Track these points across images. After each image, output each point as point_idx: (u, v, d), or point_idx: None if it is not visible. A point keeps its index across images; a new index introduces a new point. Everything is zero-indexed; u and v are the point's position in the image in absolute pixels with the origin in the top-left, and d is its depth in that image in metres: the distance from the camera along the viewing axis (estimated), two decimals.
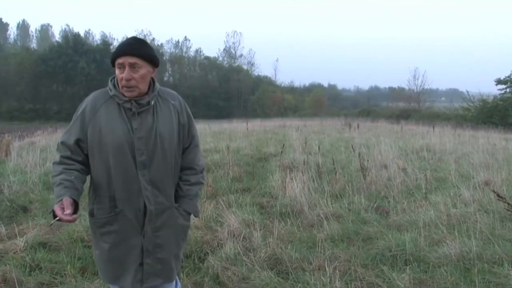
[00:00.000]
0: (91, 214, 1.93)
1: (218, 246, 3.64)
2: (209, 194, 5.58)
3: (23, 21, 75.57)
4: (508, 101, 26.58)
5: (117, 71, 1.85)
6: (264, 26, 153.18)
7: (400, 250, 3.47)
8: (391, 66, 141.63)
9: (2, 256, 3.42)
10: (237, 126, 19.63)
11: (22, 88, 48.27)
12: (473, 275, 3.01)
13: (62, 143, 1.89)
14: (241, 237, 3.75)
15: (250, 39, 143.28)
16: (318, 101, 55.79)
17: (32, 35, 76.33)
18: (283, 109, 55.66)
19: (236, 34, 67.75)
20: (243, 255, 3.38)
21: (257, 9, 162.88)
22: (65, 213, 1.65)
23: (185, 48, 66.30)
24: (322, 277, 2.94)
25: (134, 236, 1.90)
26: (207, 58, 66.32)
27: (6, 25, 73.80)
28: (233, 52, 67.93)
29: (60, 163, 1.86)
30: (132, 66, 1.81)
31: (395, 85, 77.95)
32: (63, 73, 49.25)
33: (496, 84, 28.45)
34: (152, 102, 1.90)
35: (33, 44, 70.35)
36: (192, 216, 2.14)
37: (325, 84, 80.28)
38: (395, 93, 54.56)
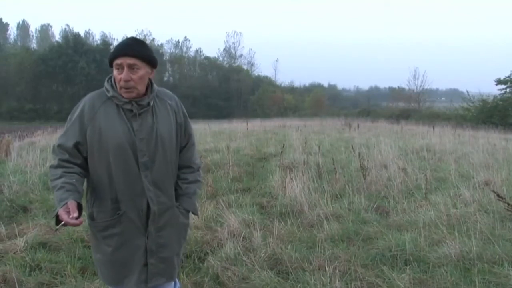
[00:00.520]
0: (91, 218, 1.91)
1: (218, 246, 3.64)
2: (209, 194, 5.58)
3: (23, 21, 75.62)
4: (508, 101, 26.58)
5: (115, 72, 1.83)
6: (264, 26, 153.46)
7: (400, 250, 3.47)
8: (391, 66, 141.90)
9: (2, 256, 3.42)
10: (237, 126, 19.62)
11: (22, 88, 48.26)
12: (473, 275, 3.01)
13: (60, 146, 1.85)
14: (241, 237, 3.75)
15: (250, 39, 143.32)
16: (318, 101, 55.79)
17: (32, 35, 76.38)
18: (283, 109, 55.66)
19: (236, 34, 67.87)
20: (243, 255, 3.38)
21: (257, 9, 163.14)
22: (71, 216, 1.64)
23: (185, 48, 66.42)
24: (322, 277, 2.94)
25: (137, 237, 1.89)
26: (207, 58, 66.34)
27: (6, 25, 73.80)
28: (233, 52, 68.01)
29: (58, 166, 1.82)
30: (131, 67, 1.80)
31: (395, 85, 78.00)
32: (63, 73, 49.23)
33: (496, 84, 28.46)
34: (151, 103, 1.90)
35: (33, 44, 70.37)
36: (191, 215, 2.14)
37: (325, 84, 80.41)
38: (395, 93, 54.59)
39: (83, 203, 1.78)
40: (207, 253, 3.53)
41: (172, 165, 1.97)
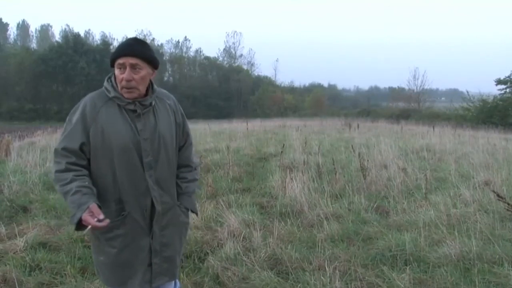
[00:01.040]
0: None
1: (218, 246, 3.64)
2: (209, 194, 5.58)
3: (23, 21, 75.62)
4: (508, 101, 26.58)
5: (117, 71, 1.83)
6: (264, 26, 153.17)
7: (400, 250, 3.47)
8: (391, 66, 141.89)
9: (2, 256, 3.42)
10: (237, 126, 19.64)
11: (22, 88, 48.24)
12: (473, 275, 3.01)
13: (65, 148, 1.80)
14: (241, 237, 3.75)
15: (250, 39, 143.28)
16: (318, 101, 55.76)
17: (32, 35, 76.36)
18: (283, 109, 55.65)
19: (236, 34, 67.81)
20: (243, 255, 3.38)
21: (257, 9, 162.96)
22: (96, 220, 1.66)
23: (185, 48, 66.37)
24: (322, 277, 2.94)
25: (142, 237, 1.89)
26: (207, 58, 66.31)
27: (6, 25, 73.75)
28: (233, 52, 67.98)
29: (66, 170, 1.77)
30: (133, 67, 1.80)
31: (395, 85, 78.06)
32: (63, 73, 49.21)
33: (496, 84, 28.50)
34: (153, 103, 1.91)
35: (33, 44, 70.33)
36: (190, 214, 2.15)
37: (325, 84, 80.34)
38: (395, 93, 54.59)
39: None
40: (207, 253, 3.53)
41: (173, 165, 1.99)
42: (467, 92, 28.75)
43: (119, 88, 1.84)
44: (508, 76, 27.90)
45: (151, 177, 1.87)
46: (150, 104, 1.89)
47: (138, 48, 1.82)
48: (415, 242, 3.61)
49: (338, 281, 2.88)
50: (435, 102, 54.12)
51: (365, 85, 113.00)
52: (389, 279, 2.98)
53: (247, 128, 14.61)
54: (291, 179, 5.47)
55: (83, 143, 1.81)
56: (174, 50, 65.82)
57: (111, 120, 1.83)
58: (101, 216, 1.67)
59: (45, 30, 76.71)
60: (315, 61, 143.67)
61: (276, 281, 2.97)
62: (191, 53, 66.36)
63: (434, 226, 4.06)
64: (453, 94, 72.94)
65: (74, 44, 51.25)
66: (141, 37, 45.68)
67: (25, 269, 3.18)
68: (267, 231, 4.01)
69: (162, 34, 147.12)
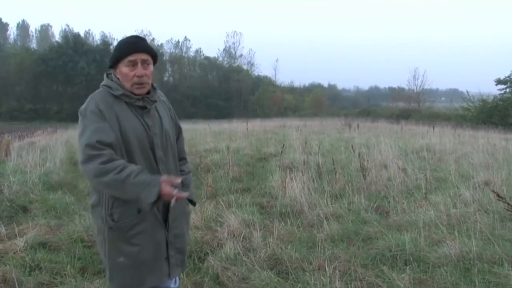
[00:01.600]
0: (112, 220, 1.82)
1: (218, 246, 3.65)
2: (209, 194, 5.58)
3: (23, 21, 75.65)
4: (508, 101, 26.58)
5: (126, 69, 1.85)
6: (264, 26, 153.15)
7: (400, 250, 3.47)
8: (391, 66, 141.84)
9: (2, 256, 3.42)
10: (237, 126, 19.64)
11: (22, 88, 48.24)
12: (473, 275, 3.01)
13: (100, 142, 1.71)
14: (241, 237, 3.75)
15: (250, 39, 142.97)
16: (318, 101, 55.74)
17: (32, 35, 76.38)
18: (283, 109, 55.64)
19: (236, 34, 67.72)
20: (243, 255, 3.38)
21: (257, 9, 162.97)
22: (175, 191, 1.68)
23: (185, 48, 66.35)
24: (322, 277, 2.94)
25: (159, 231, 1.92)
26: (207, 58, 66.27)
27: (6, 25, 73.81)
28: (233, 52, 67.92)
29: (112, 159, 1.70)
30: (144, 62, 1.86)
31: (395, 85, 77.95)
32: (63, 73, 49.19)
33: (496, 84, 28.49)
34: (155, 99, 1.97)
35: (33, 44, 70.33)
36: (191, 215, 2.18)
37: (325, 84, 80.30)
38: (395, 93, 54.55)
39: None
40: (207, 253, 3.53)
41: (176, 158, 2.07)
42: (467, 92, 28.78)
43: (129, 85, 1.86)
44: (508, 76, 27.91)
45: (163, 171, 1.91)
46: (155, 100, 1.95)
47: (145, 44, 1.90)
48: (415, 242, 3.61)
49: (338, 281, 2.88)
50: (435, 102, 54.12)
51: (365, 85, 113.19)
52: (389, 279, 2.98)
53: (247, 128, 14.61)
54: (291, 179, 5.47)
55: (116, 138, 1.77)
56: (174, 50, 65.86)
57: (124, 116, 1.84)
58: (179, 180, 1.73)
59: (45, 30, 76.73)
60: (315, 61, 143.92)
61: (276, 281, 2.98)
62: (191, 53, 66.43)
63: (434, 226, 4.06)
64: (453, 94, 72.93)
65: (74, 44, 51.24)
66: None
67: (25, 269, 3.18)
68: (267, 231, 4.01)
69: (162, 34, 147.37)
